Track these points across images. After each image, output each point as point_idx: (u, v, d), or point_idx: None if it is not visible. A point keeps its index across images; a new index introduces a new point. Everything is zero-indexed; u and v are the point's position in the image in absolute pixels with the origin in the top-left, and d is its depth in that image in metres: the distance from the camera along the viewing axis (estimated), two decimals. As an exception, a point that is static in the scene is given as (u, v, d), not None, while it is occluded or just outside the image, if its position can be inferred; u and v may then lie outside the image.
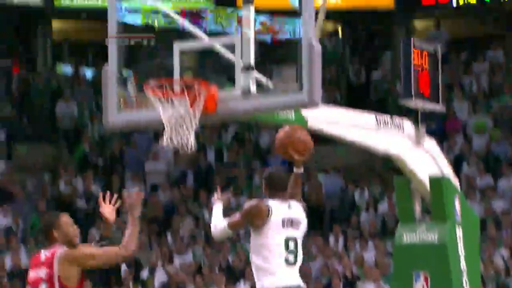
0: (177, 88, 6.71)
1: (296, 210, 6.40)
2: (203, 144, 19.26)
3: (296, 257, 6.28)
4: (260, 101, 6.77)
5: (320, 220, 17.32)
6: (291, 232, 6.29)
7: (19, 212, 16.68)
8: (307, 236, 18.52)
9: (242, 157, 19.27)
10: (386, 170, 17.48)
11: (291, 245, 6.26)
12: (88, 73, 21.32)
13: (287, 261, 6.22)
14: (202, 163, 18.79)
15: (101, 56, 19.57)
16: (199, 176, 18.48)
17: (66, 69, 21.72)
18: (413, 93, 8.16)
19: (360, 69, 20.89)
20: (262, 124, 18.94)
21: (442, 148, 10.04)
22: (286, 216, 6.31)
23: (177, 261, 15.67)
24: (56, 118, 19.68)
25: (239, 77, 6.73)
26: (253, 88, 6.74)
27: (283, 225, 6.27)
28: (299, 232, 6.37)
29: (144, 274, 15.41)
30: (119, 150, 18.98)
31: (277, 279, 6.17)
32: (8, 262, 15.01)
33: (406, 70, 8.16)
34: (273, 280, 6.16)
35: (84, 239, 16.74)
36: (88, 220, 17.24)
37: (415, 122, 8.56)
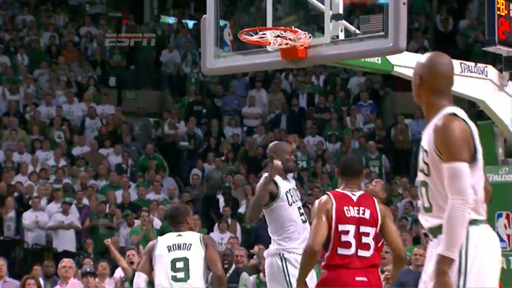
0: (270, 36, 6.72)
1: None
2: (296, 89, 19.24)
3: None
4: (348, 48, 6.71)
5: (406, 163, 17.17)
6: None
7: (128, 152, 17.09)
8: (394, 178, 18.16)
9: (333, 102, 19.19)
10: (470, 115, 17.12)
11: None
12: (190, 23, 21.50)
13: None
14: (295, 107, 18.82)
15: (201, 7, 19.73)
16: (292, 120, 18.52)
17: (169, 20, 21.95)
18: (497, 39, 7.93)
19: (448, 18, 20.39)
20: (350, 69, 18.78)
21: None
22: None
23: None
24: (161, 66, 19.97)
25: (328, 25, 6.69)
26: (341, 35, 6.69)
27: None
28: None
29: (242, 209, 15.63)
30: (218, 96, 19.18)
31: None
32: (118, 197, 15.44)
33: (491, 17, 7.94)
34: None
35: (186, 180, 17.07)
36: (191, 158, 17.54)
37: (500, 68, 8.36)
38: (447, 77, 3.95)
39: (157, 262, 6.29)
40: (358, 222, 5.47)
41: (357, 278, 5.42)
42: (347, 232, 5.43)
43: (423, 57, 3.96)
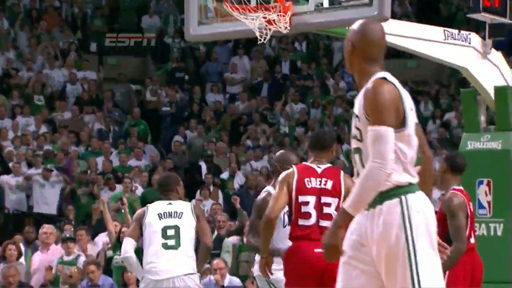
0: (253, 3, 6.68)
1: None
2: (279, 56, 19.18)
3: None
4: (332, 16, 6.70)
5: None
6: None
7: (109, 118, 17.01)
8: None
9: (316, 68, 19.16)
10: (453, 82, 17.20)
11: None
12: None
13: None
14: (278, 74, 18.76)
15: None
16: (275, 87, 18.49)
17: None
18: (481, 6, 7.92)
19: (431, -16, 20.37)
20: (334, 37, 18.72)
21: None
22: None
23: (254, 165, 15.85)
24: (142, 32, 19.81)
25: (313, -8, 6.67)
26: (326, 3, 6.66)
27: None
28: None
29: (224, 176, 15.65)
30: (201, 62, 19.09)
31: None
32: (99, 163, 15.39)
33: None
34: None
35: (168, 147, 17.04)
36: (173, 124, 17.50)
37: (483, 36, 8.36)
38: (379, 44, 3.91)
39: (147, 229, 6.32)
40: (320, 192, 5.55)
41: (316, 250, 5.42)
42: (307, 203, 5.51)
43: (355, 24, 3.92)
